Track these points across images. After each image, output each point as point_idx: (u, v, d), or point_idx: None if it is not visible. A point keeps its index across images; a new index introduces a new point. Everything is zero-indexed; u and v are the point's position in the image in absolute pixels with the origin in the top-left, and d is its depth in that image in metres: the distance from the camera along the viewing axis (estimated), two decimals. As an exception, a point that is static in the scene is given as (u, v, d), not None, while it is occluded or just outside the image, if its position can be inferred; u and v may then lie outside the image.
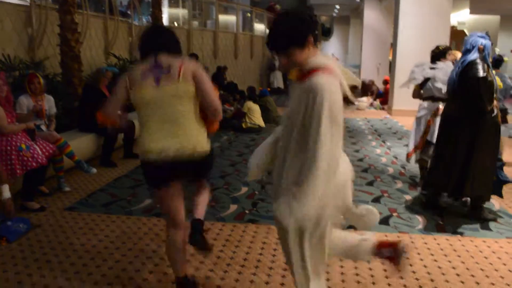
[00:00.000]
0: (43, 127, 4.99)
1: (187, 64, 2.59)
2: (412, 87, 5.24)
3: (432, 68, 4.99)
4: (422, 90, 5.11)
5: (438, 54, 5.05)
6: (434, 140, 4.70)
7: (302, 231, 2.07)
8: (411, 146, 5.25)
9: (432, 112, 5.03)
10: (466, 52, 4.05)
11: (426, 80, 5.01)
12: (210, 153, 2.72)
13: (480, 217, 4.21)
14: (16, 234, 3.72)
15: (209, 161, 2.80)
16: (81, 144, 5.80)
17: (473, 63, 3.94)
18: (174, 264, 2.76)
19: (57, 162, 4.93)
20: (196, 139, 2.58)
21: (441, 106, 4.88)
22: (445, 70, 4.80)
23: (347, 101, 2.05)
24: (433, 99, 5.01)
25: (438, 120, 4.70)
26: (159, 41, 2.65)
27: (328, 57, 2.14)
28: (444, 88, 4.74)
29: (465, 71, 3.97)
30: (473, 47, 3.99)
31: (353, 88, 2.10)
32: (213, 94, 2.62)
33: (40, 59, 7.03)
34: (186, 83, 2.54)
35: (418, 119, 5.17)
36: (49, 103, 5.09)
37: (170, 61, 2.58)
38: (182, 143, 2.53)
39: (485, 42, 4.01)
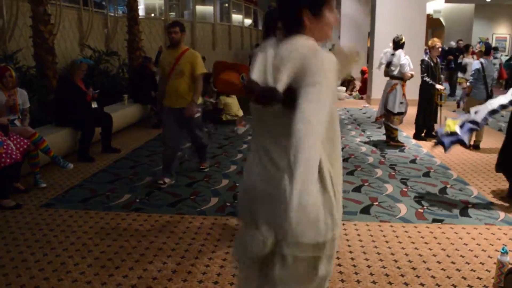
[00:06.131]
0: (17, 122, 4.85)
1: None
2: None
3: (392, 55, 6.69)
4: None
5: (397, 44, 6.71)
6: (395, 110, 6.60)
7: None
8: (379, 113, 7.02)
9: (389, 87, 6.70)
10: None
11: (388, 63, 6.75)
12: None
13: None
14: None
15: None
16: (57, 139, 5.67)
17: None
18: None
19: (33, 157, 4.81)
20: None
21: (396, 83, 6.63)
22: (398, 56, 6.58)
23: None
24: (391, 77, 6.70)
25: (394, 93, 6.58)
26: None
27: None
28: (396, 71, 6.61)
29: None
30: None
31: None
32: None
33: (12, 52, 6.82)
34: None
35: (383, 92, 6.83)
36: (22, 97, 4.93)
37: None
38: None
39: None
